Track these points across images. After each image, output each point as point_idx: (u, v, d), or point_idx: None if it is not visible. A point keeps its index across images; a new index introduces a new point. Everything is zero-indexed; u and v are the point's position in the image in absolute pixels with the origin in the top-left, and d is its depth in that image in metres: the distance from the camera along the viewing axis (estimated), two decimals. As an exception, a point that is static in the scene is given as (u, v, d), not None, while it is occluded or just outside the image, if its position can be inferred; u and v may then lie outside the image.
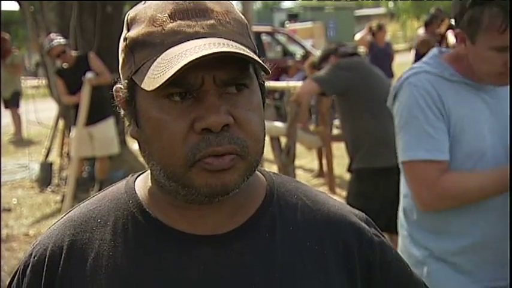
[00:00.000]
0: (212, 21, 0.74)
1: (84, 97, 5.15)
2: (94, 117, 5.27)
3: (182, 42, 0.72)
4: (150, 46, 0.74)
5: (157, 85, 0.69)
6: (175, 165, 0.74)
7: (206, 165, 0.73)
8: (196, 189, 0.74)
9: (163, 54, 0.72)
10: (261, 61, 0.72)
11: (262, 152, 0.79)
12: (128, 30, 0.77)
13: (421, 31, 8.09)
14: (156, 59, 0.72)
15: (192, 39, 0.72)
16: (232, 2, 0.81)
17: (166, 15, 0.74)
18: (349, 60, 3.42)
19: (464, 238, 1.58)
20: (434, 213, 1.59)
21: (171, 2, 0.75)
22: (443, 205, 1.53)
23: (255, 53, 0.77)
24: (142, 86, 0.72)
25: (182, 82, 0.71)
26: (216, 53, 0.68)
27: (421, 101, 1.51)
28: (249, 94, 0.76)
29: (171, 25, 0.74)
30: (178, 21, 0.74)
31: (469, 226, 1.57)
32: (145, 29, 0.75)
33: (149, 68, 0.72)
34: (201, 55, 0.67)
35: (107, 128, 5.49)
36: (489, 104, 1.57)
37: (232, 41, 0.73)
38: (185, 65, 0.67)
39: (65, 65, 5.31)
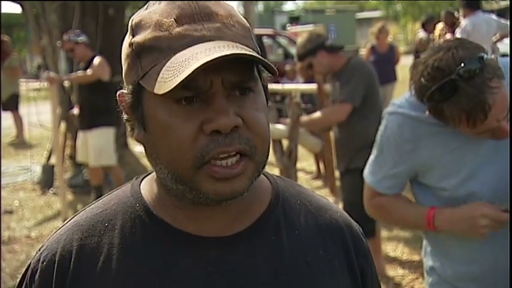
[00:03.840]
0: (218, 25, 0.75)
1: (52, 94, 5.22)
2: (88, 122, 5.20)
3: (190, 46, 0.72)
4: (158, 50, 0.74)
5: (169, 89, 0.69)
6: (183, 168, 0.74)
7: (214, 174, 0.73)
8: (204, 194, 0.75)
9: (173, 58, 0.72)
10: (269, 62, 0.73)
11: (269, 152, 0.79)
12: (133, 35, 0.77)
13: (421, 32, 8.10)
14: (165, 63, 0.72)
15: (200, 43, 0.72)
16: (234, 4, 0.82)
17: (172, 19, 0.74)
18: (363, 64, 3.52)
19: (466, 266, 1.59)
20: (439, 237, 1.63)
21: (176, 6, 0.76)
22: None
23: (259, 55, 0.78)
24: (154, 91, 0.71)
25: (191, 85, 0.71)
26: (227, 55, 0.68)
27: (389, 140, 1.63)
28: (254, 95, 0.76)
29: (177, 29, 0.74)
30: (185, 26, 0.74)
31: (472, 255, 1.57)
32: (151, 34, 0.75)
33: (158, 72, 0.72)
34: (213, 57, 0.67)
35: (100, 136, 5.22)
36: (475, 143, 1.49)
37: (239, 43, 0.74)
38: (197, 68, 0.67)
39: (81, 65, 5.26)
